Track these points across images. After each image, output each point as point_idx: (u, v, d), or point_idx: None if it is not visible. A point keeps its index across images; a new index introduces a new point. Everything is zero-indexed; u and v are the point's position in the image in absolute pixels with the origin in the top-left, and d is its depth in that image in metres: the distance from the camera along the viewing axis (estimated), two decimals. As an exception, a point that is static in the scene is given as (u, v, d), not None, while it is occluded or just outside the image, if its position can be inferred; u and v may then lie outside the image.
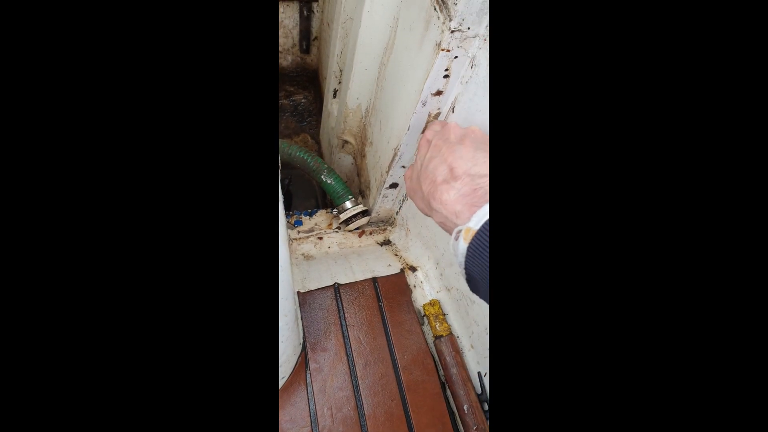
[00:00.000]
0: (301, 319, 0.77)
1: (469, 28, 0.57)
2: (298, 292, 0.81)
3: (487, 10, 0.55)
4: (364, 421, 0.70)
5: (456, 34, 0.56)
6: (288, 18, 1.39)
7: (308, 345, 0.75)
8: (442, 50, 0.58)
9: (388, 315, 0.82)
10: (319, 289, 0.83)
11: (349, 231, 1.04)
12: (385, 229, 1.08)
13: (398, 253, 1.00)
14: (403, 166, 0.86)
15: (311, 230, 1.03)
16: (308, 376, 0.72)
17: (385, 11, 0.77)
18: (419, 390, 0.75)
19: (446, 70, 0.62)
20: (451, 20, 0.55)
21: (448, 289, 0.86)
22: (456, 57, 0.60)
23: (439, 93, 0.66)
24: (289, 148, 1.04)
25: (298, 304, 0.77)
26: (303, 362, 0.73)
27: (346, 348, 0.77)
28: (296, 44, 1.49)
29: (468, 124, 0.67)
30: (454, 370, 0.77)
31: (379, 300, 0.84)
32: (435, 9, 0.58)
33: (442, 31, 0.57)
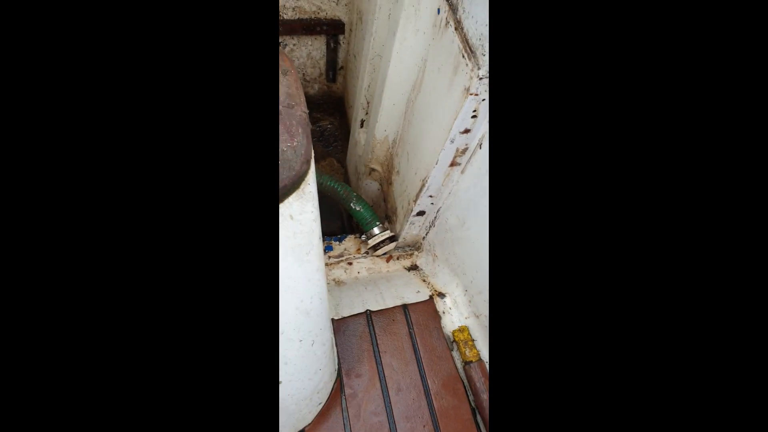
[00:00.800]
0: (336, 345, 0.81)
1: (496, 74, 0.60)
2: (333, 319, 0.85)
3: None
4: (398, 447, 0.73)
5: (484, 80, 0.60)
6: (316, 50, 1.45)
7: (343, 371, 0.78)
8: (471, 94, 0.62)
9: (419, 341, 0.85)
10: (352, 316, 0.86)
11: (377, 256, 1.07)
12: (411, 254, 1.11)
13: (426, 279, 1.03)
14: (431, 196, 0.89)
15: (341, 255, 1.07)
16: (344, 401, 0.75)
17: (414, 52, 0.81)
18: (450, 415, 0.77)
19: (474, 111, 0.66)
20: (479, 68, 0.59)
21: (477, 316, 0.88)
22: (483, 99, 0.64)
23: (466, 131, 0.70)
24: (320, 178, 1.09)
25: (333, 332, 0.80)
26: (339, 388, 0.77)
27: (379, 374, 0.79)
28: (323, 74, 1.55)
29: (495, 160, 0.70)
30: (484, 396, 0.79)
31: (409, 326, 0.87)
32: (463, 56, 0.62)
33: (471, 78, 0.61)
